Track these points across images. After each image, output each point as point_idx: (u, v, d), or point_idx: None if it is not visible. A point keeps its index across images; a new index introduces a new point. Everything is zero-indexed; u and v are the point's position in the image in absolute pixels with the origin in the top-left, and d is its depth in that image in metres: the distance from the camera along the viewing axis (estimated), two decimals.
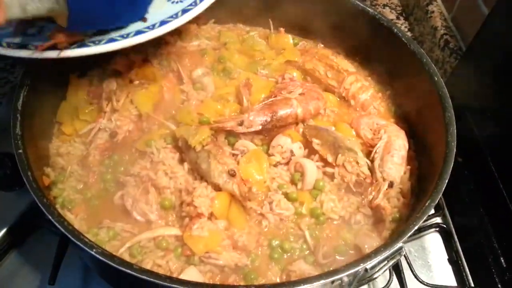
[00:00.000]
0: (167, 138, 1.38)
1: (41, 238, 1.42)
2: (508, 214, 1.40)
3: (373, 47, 1.63)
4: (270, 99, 1.44)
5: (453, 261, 1.48)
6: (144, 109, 1.44)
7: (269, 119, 1.38)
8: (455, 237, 1.52)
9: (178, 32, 1.71)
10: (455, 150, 1.24)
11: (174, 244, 1.22)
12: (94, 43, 1.13)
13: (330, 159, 1.35)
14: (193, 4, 1.26)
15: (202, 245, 1.18)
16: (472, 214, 1.51)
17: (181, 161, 1.33)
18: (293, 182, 1.35)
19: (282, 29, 1.77)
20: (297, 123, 1.45)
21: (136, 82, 1.51)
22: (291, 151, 1.37)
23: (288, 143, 1.38)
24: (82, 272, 1.36)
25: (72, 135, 1.42)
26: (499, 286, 1.38)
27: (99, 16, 1.03)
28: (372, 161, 1.38)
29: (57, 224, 1.04)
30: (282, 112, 1.39)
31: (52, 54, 1.08)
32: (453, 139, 1.27)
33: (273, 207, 1.27)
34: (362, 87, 1.58)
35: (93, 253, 1.00)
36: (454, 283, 1.45)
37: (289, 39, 1.76)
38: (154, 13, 1.22)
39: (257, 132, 1.40)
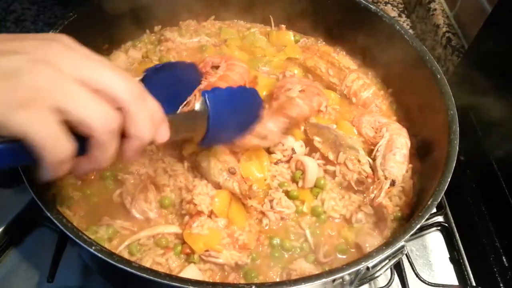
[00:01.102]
0: None
1: (39, 236, 1.41)
2: (510, 212, 1.39)
3: (375, 45, 1.62)
4: (276, 102, 1.41)
5: (455, 260, 1.48)
6: None
7: (286, 125, 1.35)
8: (457, 236, 1.51)
9: (177, 29, 1.71)
10: (457, 149, 1.23)
11: (173, 242, 1.21)
12: None
13: (331, 157, 1.34)
14: None
15: (202, 243, 1.17)
16: (474, 213, 1.50)
17: (181, 158, 1.32)
18: (294, 180, 1.34)
19: (283, 26, 1.76)
20: (305, 121, 1.44)
21: (136, 79, 1.49)
22: (292, 149, 1.36)
23: (289, 141, 1.37)
24: (81, 270, 1.35)
25: None
26: (501, 285, 1.37)
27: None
28: (373, 159, 1.36)
29: (56, 222, 1.03)
30: (294, 114, 1.37)
31: None
32: (456, 138, 1.26)
33: (273, 205, 1.26)
34: (364, 84, 1.57)
35: (92, 250, 0.99)
36: (456, 282, 1.44)
37: (290, 36, 1.75)
38: None
39: None
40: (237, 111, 1.13)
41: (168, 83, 1.31)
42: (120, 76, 0.74)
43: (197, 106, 1.04)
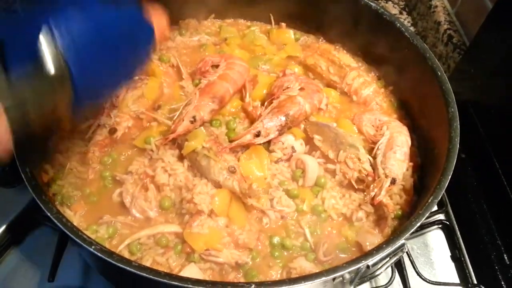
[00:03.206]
0: (166, 135, 1.36)
1: (40, 235, 1.41)
2: (511, 210, 1.38)
3: (375, 42, 1.61)
4: (276, 101, 1.40)
5: (456, 258, 1.47)
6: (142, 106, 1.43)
7: (283, 123, 1.35)
8: (458, 233, 1.50)
9: (177, 28, 1.70)
10: (458, 146, 1.23)
11: (174, 241, 1.21)
12: None
13: (331, 155, 1.33)
14: None
15: (202, 242, 1.17)
16: (476, 210, 1.50)
17: (181, 157, 1.32)
18: (294, 178, 1.33)
19: (283, 24, 1.75)
20: (306, 120, 1.44)
21: (136, 77, 1.49)
22: (292, 148, 1.35)
23: (289, 139, 1.37)
24: (82, 269, 1.35)
25: (71, 131, 1.41)
26: (502, 283, 1.37)
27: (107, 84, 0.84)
28: (374, 157, 1.36)
29: (55, 221, 1.03)
30: (293, 112, 1.37)
31: None
32: (457, 135, 1.25)
33: (274, 204, 1.26)
34: (365, 82, 1.56)
35: (92, 250, 0.99)
36: (457, 280, 1.43)
37: (290, 34, 1.75)
38: None
39: None
40: (112, 47, 0.76)
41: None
42: None
43: (48, 64, 0.63)
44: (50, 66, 0.62)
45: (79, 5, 0.66)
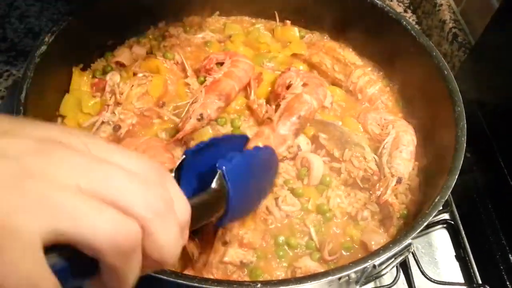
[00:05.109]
0: (172, 132, 1.36)
1: None
2: None
3: (381, 40, 1.60)
4: (283, 102, 1.38)
5: (461, 257, 1.46)
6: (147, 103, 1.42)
7: (298, 126, 1.34)
8: (463, 233, 1.49)
9: (182, 25, 1.70)
10: (464, 146, 1.22)
11: None
12: None
13: (336, 154, 1.33)
14: None
15: None
16: (481, 210, 1.49)
17: None
18: (299, 177, 1.33)
19: (288, 22, 1.74)
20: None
21: (140, 74, 1.49)
22: (298, 146, 1.35)
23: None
24: None
25: (75, 128, 1.40)
26: (508, 283, 1.36)
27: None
28: (379, 156, 1.36)
29: None
30: (304, 112, 1.36)
31: None
32: (463, 134, 1.25)
33: (279, 202, 1.26)
34: (370, 81, 1.56)
35: None
36: (462, 280, 1.43)
37: (295, 31, 1.74)
38: None
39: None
40: (255, 176, 1.01)
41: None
42: (136, 184, 0.54)
43: (214, 183, 0.84)
44: (215, 183, 0.84)
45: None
